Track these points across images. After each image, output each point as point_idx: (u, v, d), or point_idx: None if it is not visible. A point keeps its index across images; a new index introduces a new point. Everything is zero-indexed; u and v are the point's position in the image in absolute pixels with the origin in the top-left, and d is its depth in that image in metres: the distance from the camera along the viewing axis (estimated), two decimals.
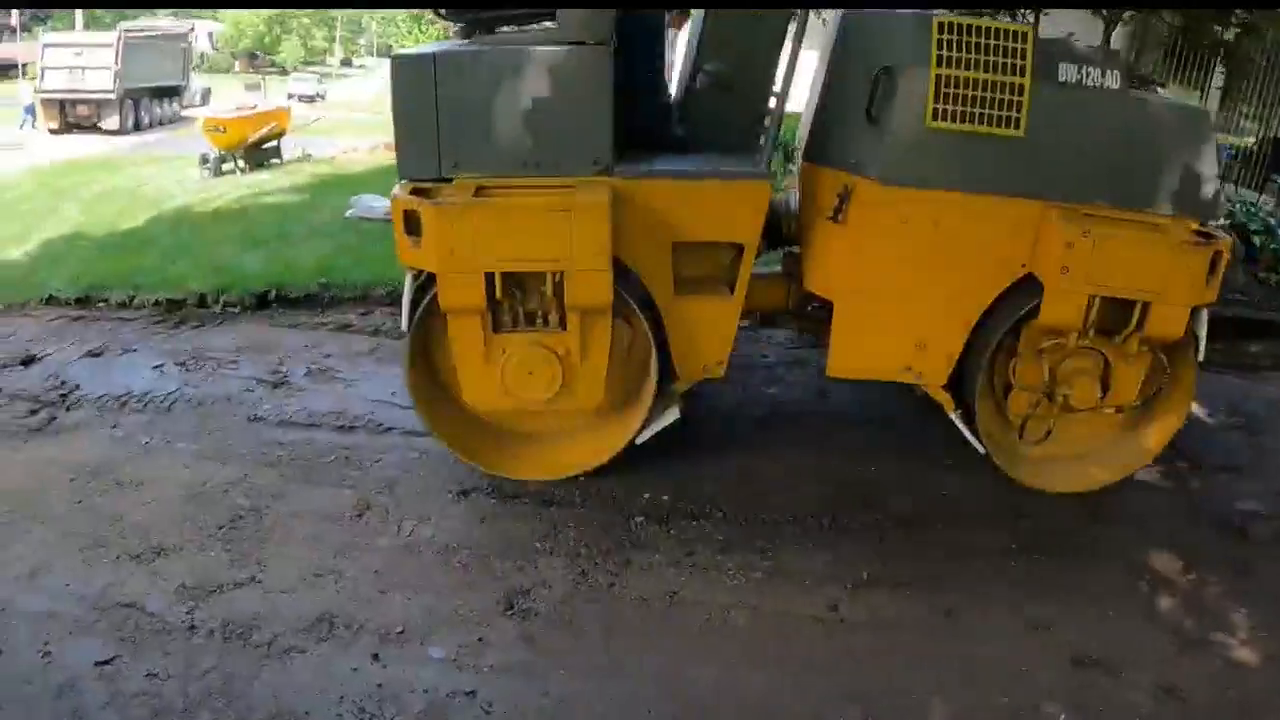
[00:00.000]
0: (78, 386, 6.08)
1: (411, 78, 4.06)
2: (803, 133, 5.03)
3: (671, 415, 4.61)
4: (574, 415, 4.70)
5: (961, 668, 3.64)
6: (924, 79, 4.11)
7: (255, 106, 19.94)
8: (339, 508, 4.57)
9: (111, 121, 25.15)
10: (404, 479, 4.84)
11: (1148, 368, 4.47)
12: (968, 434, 4.62)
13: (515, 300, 4.22)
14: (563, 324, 4.27)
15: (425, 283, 4.28)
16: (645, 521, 4.46)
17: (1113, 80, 4.23)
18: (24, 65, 41.63)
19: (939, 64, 4.10)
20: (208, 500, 4.66)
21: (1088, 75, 4.21)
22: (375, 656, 3.64)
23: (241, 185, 14.56)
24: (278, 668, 3.58)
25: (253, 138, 16.92)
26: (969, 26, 4.11)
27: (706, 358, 4.57)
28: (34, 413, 5.76)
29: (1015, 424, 4.62)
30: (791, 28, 4.39)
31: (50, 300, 7.82)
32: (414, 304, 4.35)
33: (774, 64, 4.59)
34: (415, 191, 4.06)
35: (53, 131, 24.78)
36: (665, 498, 4.65)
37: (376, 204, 10.34)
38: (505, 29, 4.55)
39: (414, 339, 4.42)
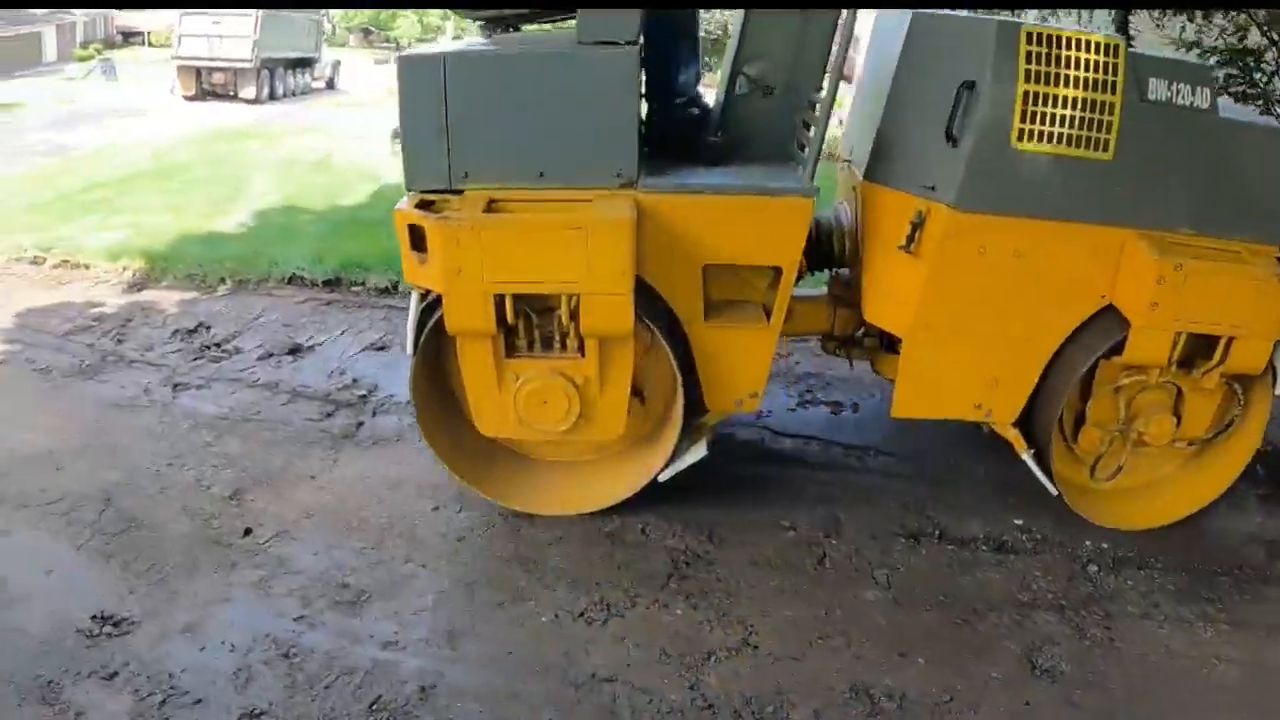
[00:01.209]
0: (377, 386, 5.46)
1: (420, 80, 3.75)
2: (852, 143, 4.66)
3: (699, 452, 4.26)
4: (595, 447, 4.42)
5: None
6: (1010, 96, 3.76)
7: None
8: (790, 553, 4.23)
9: (248, 91, 25.33)
10: (843, 518, 4.48)
11: (1221, 399, 4.31)
12: (1040, 475, 4.32)
13: (529, 323, 3.92)
14: (581, 350, 3.95)
15: (434, 302, 3.98)
16: (1099, 571, 4.25)
17: (1202, 99, 3.88)
18: (148, 33, 41.94)
19: (1026, 79, 3.74)
20: (629, 541, 4.23)
21: (1178, 93, 3.86)
22: None
23: None
24: None
25: None
26: (1059, 38, 3.76)
27: (739, 390, 4.24)
28: (329, 415, 5.12)
29: (1087, 462, 4.37)
30: (841, 25, 3.97)
31: (293, 280, 7.16)
32: (420, 325, 4.08)
33: (821, 66, 4.22)
34: (422, 205, 3.78)
35: (187, 98, 24.86)
36: (1105, 545, 4.41)
37: None
38: (528, 28, 4.30)
39: (421, 362, 4.14)
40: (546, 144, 3.79)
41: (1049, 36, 3.75)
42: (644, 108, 4.21)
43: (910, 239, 3.96)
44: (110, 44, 41.96)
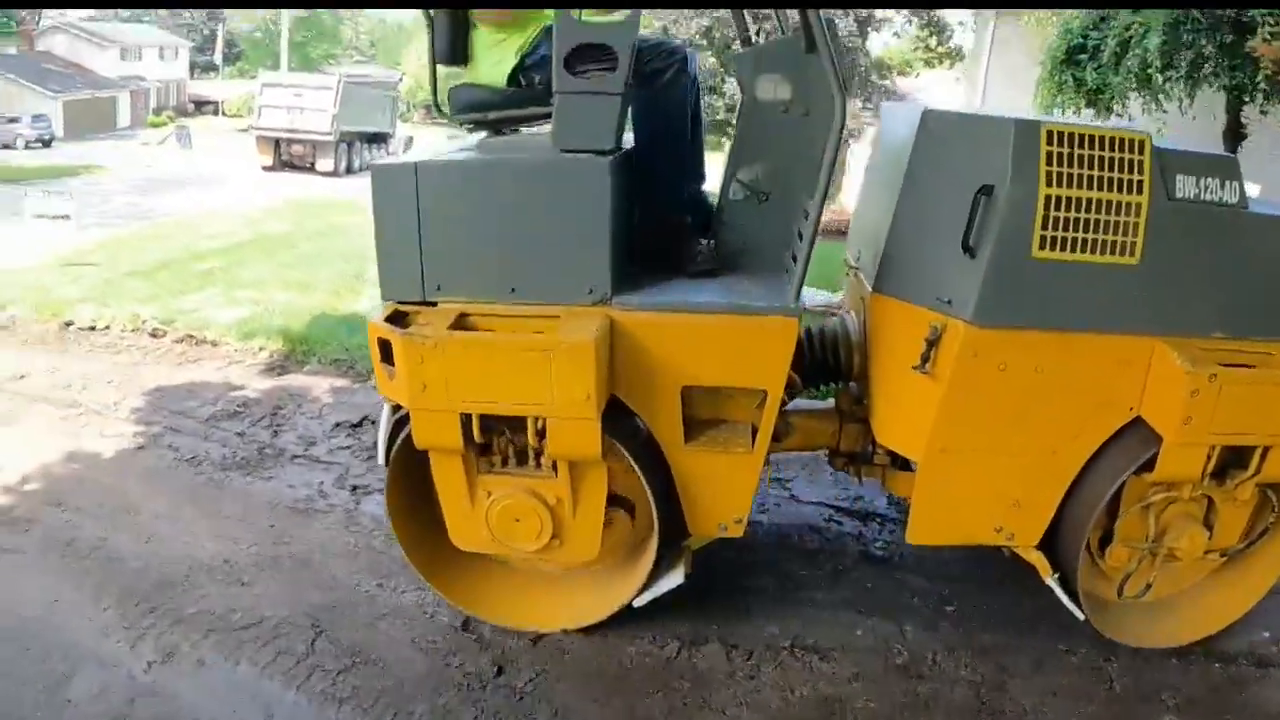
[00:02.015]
0: None
1: (392, 188, 3.62)
2: (859, 248, 4.45)
3: (676, 578, 4.00)
4: (570, 565, 4.22)
5: None
6: (1031, 201, 3.50)
7: None
8: (1080, 679, 4.07)
9: (326, 163, 25.75)
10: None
11: (1254, 508, 4.06)
12: (1066, 601, 4.06)
13: (502, 439, 3.75)
14: (555, 469, 3.75)
15: (406, 416, 3.82)
16: None
17: (1232, 194, 3.64)
18: (221, 102, 42.79)
19: (1048, 182, 3.48)
20: (925, 675, 4.03)
21: (1207, 189, 3.62)
22: None
23: None
24: None
25: None
26: (1082, 137, 3.51)
27: (723, 515, 3.98)
28: None
29: (1115, 581, 4.09)
30: (835, 130, 3.66)
31: None
32: (393, 437, 3.97)
33: (817, 171, 3.93)
34: (394, 316, 3.66)
35: (265, 169, 25.13)
36: None
37: (816, 297, 8.95)
38: (519, 130, 4.19)
39: (394, 474, 4.01)
40: (517, 257, 3.63)
41: (1071, 135, 3.51)
42: (635, 212, 4.05)
43: (925, 358, 3.69)
44: (182, 111, 42.80)
